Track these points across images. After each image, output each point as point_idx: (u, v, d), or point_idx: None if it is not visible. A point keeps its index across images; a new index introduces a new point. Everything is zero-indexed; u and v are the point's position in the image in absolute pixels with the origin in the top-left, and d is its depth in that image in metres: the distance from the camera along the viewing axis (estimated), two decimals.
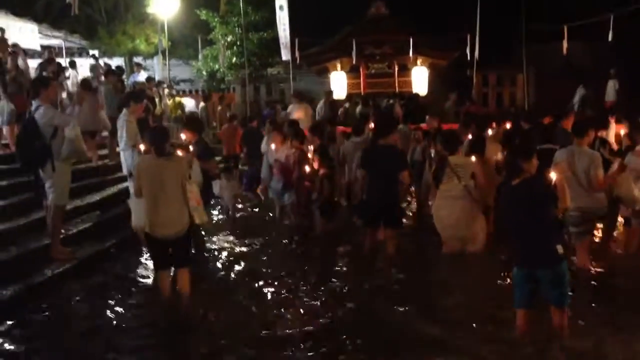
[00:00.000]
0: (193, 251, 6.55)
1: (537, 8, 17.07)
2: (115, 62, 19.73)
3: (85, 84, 11.00)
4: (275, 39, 18.12)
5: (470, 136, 7.83)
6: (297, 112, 13.14)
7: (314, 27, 18.78)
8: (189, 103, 17.86)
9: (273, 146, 8.70)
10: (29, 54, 12.67)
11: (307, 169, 8.06)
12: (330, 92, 16.93)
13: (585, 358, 4.49)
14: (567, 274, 4.53)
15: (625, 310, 5.24)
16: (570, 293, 4.62)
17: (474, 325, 5.06)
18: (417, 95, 17.21)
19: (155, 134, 5.67)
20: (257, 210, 10.22)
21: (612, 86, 15.45)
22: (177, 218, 5.42)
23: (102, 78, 13.14)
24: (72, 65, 15.41)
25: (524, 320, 4.67)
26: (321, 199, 8.09)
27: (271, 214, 9.38)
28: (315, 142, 8.47)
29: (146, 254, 7.08)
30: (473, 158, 6.84)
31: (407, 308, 5.48)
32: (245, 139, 11.69)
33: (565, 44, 14.94)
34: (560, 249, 4.48)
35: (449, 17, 19.62)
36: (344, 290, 6.08)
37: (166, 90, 15.83)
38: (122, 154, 8.21)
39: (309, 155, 8.35)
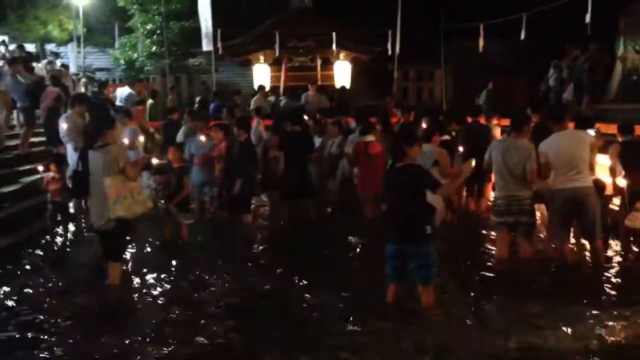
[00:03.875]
0: None
1: (458, 6, 17.54)
2: (28, 49, 18.69)
3: None
4: (197, 29, 17.70)
5: None
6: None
7: (237, 17, 18.51)
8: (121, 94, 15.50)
9: (202, 138, 8.77)
10: None
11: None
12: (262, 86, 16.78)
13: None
14: (433, 254, 4.95)
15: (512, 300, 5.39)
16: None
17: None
18: (343, 88, 17.37)
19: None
20: None
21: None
22: (98, 212, 5.55)
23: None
24: None
25: (393, 293, 5.15)
26: (173, 192, 7.59)
27: None
28: (242, 135, 8.40)
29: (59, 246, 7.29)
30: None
31: None
32: (165, 132, 11.36)
33: (481, 42, 15.45)
34: (428, 229, 4.92)
35: (372, 13, 19.84)
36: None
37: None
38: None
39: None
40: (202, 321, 5.10)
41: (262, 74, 18.65)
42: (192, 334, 4.79)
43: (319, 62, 19.24)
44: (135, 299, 5.79)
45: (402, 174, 5.06)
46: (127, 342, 4.68)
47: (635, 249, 6.75)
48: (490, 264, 6.52)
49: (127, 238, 6.18)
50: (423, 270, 4.97)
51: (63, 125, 8.46)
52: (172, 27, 19.68)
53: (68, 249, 7.61)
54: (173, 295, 5.79)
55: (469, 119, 9.27)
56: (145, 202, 5.81)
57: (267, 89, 17.83)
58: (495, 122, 9.85)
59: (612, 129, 7.75)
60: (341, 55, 18.96)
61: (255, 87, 17.91)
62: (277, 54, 17.77)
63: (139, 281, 6.16)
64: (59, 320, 5.13)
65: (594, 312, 5.05)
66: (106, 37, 21.38)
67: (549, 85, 14.14)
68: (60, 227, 8.02)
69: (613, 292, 5.62)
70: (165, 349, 4.55)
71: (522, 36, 13.89)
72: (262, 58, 18.92)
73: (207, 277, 6.26)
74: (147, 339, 4.73)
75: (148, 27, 19.87)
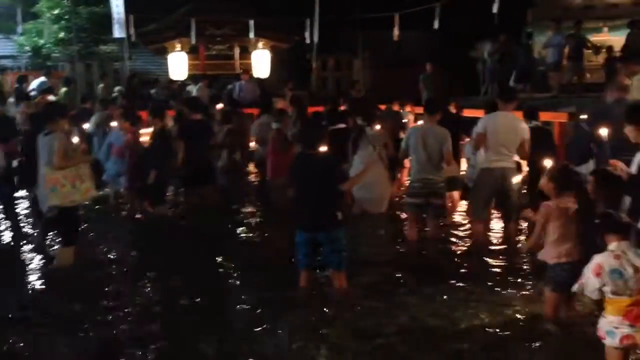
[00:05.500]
0: None
1: None
2: None
3: None
4: (108, 14, 17.02)
5: None
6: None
7: (150, 3, 17.87)
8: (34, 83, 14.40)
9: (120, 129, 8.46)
10: None
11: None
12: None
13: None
14: (343, 238, 4.99)
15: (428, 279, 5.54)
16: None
17: None
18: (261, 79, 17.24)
19: None
20: None
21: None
22: (42, 200, 5.72)
23: None
24: None
25: (306, 280, 5.15)
26: None
27: None
28: (156, 124, 8.13)
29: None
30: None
31: None
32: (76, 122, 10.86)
33: (396, 32, 15.73)
34: (339, 215, 4.97)
35: (289, 1, 19.75)
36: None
37: None
38: None
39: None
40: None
41: (178, 63, 18.15)
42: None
43: (237, 51, 18.96)
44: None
45: (313, 160, 5.03)
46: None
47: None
48: (400, 246, 6.68)
49: (75, 225, 5.99)
50: (334, 255, 5.00)
51: None
52: (80, 12, 18.83)
53: None
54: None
55: (383, 107, 9.43)
56: (87, 191, 5.75)
57: (185, 77, 17.44)
58: (408, 109, 10.06)
59: (518, 115, 8.05)
60: (260, 44, 18.76)
61: (171, 75, 17.52)
62: (193, 42, 17.36)
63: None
64: None
65: (508, 289, 5.27)
66: (9, 23, 20.11)
67: (486, 66, 13.94)
68: None
69: (523, 270, 5.84)
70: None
71: (436, 26, 14.25)
72: (178, 46, 18.40)
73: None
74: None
75: (55, 12, 18.91)
